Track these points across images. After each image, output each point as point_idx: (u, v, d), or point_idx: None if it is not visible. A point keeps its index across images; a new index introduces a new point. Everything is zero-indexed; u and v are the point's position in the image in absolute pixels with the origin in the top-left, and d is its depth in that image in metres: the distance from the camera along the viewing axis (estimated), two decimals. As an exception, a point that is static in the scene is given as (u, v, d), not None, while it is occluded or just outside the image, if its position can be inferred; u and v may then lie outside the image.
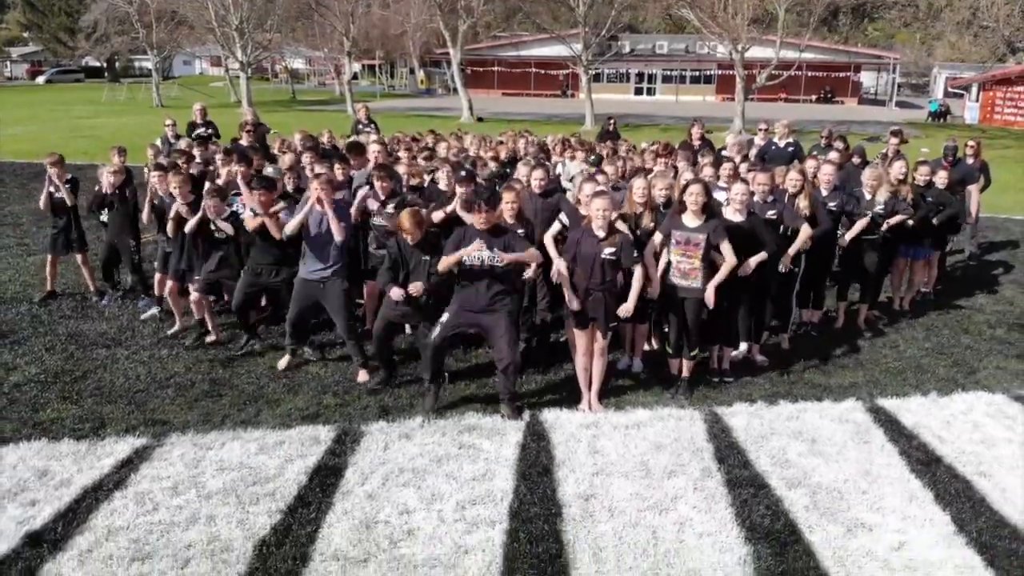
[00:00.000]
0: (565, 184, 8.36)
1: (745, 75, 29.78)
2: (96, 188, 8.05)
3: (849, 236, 7.15)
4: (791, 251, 6.54)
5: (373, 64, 58.69)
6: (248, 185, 6.69)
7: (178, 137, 10.71)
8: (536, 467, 5.05)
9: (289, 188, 7.31)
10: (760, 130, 11.27)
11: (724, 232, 5.89)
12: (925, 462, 5.20)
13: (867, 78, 55.89)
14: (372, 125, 12.31)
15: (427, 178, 7.60)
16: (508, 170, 8.48)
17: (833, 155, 9.04)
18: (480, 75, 52.43)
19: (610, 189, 6.65)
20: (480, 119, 32.23)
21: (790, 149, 10.41)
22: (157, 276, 7.67)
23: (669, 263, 5.95)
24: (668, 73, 52.76)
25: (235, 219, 6.74)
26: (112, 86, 46.07)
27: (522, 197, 6.44)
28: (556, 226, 6.29)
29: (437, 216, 6.41)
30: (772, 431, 5.58)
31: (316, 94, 51.01)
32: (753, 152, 10.40)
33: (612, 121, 13.90)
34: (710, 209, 5.95)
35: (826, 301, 7.75)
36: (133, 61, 66.05)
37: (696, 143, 10.54)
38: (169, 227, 7.03)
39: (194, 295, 6.98)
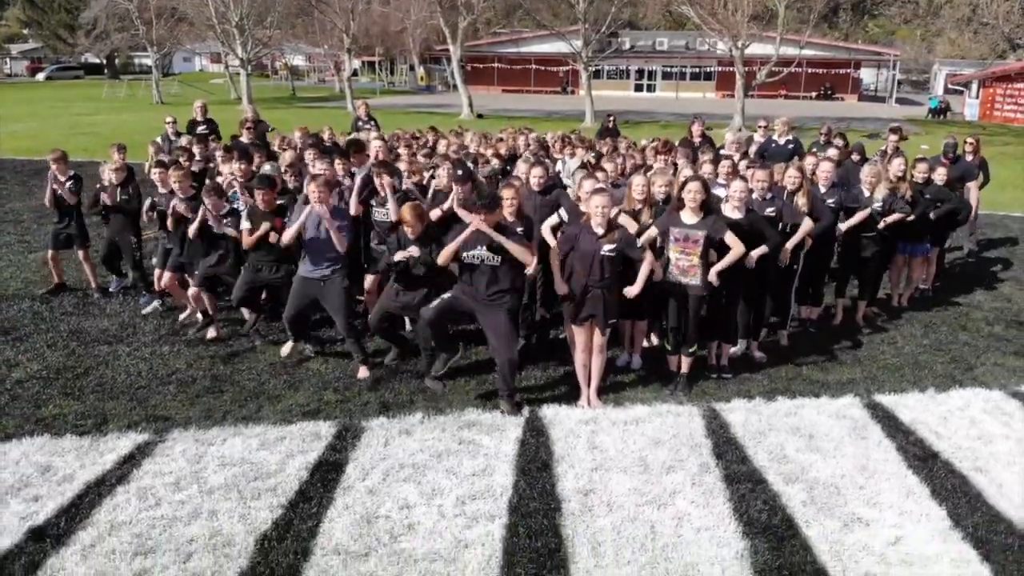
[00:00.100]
0: (566, 181, 8.39)
1: (745, 72, 29.79)
2: (97, 185, 8.08)
3: (846, 225, 7.17)
4: (791, 243, 6.55)
5: (373, 61, 58.69)
6: (248, 185, 6.71)
7: (179, 134, 10.73)
8: (535, 462, 5.08)
9: (290, 185, 7.33)
10: (760, 127, 11.29)
11: (724, 225, 5.92)
12: (922, 458, 5.24)
13: (867, 75, 55.88)
14: (372, 122, 12.33)
15: (427, 175, 7.63)
16: (508, 167, 8.50)
17: (832, 152, 9.07)
18: (480, 72, 52.40)
19: (609, 186, 6.68)
20: (480, 116, 32.23)
21: (790, 146, 10.44)
22: (156, 272, 7.70)
23: (668, 260, 5.97)
24: (668, 70, 52.75)
25: (235, 217, 6.75)
26: (112, 83, 46.08)
27: (521, 194, 6.47)
28: (554, 218, 6.33)
29: (435, 214, 6.44)
30: (770, 427, 5.62)
31: (316, 91, 51.01)
32: (753, 149, 10.43)
33: (612, 118, 13.93)
34: (708, 206, 5.97)
35: (825, 298, 7.78)
36: (133, 58, 66.01)
37: (696, 140, 10.57)
38: (168, 222, 7.06)
39: (193, 289, 7.01)
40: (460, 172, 6.56)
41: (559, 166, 9.23)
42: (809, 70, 46.55)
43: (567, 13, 38.47)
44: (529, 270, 6.15)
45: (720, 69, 48.98)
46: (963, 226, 10.40)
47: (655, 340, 6.98)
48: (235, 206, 6.94)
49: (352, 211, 6.87)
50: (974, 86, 38.27)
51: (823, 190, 7.19)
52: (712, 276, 5.85)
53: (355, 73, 47.84)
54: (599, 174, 7.10)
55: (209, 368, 6.51)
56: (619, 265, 5.74)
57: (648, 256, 5.76)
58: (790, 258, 6.79)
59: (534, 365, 6.61)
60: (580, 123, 28.13)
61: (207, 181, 7.35)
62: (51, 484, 4.73)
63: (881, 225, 7.36)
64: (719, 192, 6.71)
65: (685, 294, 5.98)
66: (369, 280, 7.23)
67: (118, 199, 7.88)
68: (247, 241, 6.48)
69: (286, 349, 6.56)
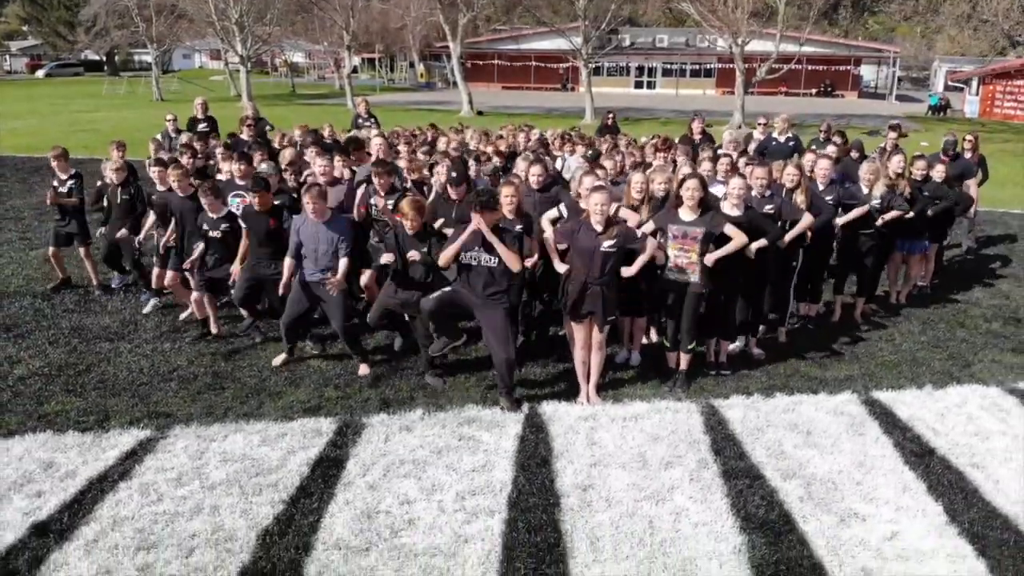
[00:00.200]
0: (566, 177, 8.40)
1: (745, 69, 29.79)
2: (99, 183, 8.10)
3: (844, 219, 7.19)
4: (790, 235, 6.55)
5: (373, 58, 58.67)
6: (246, 185, 6.73)
7: (179, 132, 10.75)
8: (535, 458, 5.12)
9: (289, 184, 7.36)
10: (759, 124, 11.32)
11: (724, 219, 5.95)
12: (919, 454, 5.27)
13: (867, 72, 55.84)
14: (372, 119, 12.35)
15: (427, 172, 7.65)
16: (508, 165, 8.52)
17: (830, 149, 9.09)
18: (480, 69, 52.38)
19: (609, 184, 6.70)
20: (480, 113, 32.24)
21: (790, 144, 10.45)
22: (156, 271, 7.72)
23: (666, 257, 6.00)
24: (668, 67, 52.76)
25: (231, 220, 6.76)
26: (112, 80, 46.12)
27: (521, 192, 6.49)
28: (553, 212, 6.35)
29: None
30: (768, 423, 5.65)
31: (316, 88, 50.99)
32: (753, 147, 10.45)
33: (611, 115, 13.94)
34: (707, 204, 5.99)
35: (823, 295, 7.81)
36: (133, 55, 65.98)
37: (696, 137, 10.60)
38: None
39: (195, 294, 7.02)
40: (455, 174, 6.56)
41: (559, 163, 9.26)
42: (809, 67, 46.54)
43: (567, 10, 38.46)
44: (529, 262, 6.19)
45: (720, 66, 48.99)
46: (961, 221, 10.44)
47: (654, 337, 7.02)
48: (231, 208, 6.95)
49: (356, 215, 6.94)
50: (974, 83, 38.26)
51: (821, 187, 7.22)
52: (709, 259, 5.87)
53: (355, 70, 47.85)
54: (599, 171, 7.12)
55: (210, 365, 6.54)
56: (619, 262, 5.77)
57: (650, 242, 5.78)
58: (789, 255, 6.82)
59: (533, 362, 6.65)
60: (580, 120, 28.14)
61: (205, 179, 7.36)
62: (54, 480, 4.76)
63: (879, 222, 7.39)
64: (718, 190, 6.73)
65: (684, 291, 6.01)
66: (367, 276, 7.25)
67: (119, 199, 7.90)
68: (242, 246, 6.56)
69: (279, 360, 6.55)
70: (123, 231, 7.72)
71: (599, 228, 5.65)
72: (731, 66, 33.25)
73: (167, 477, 4.81)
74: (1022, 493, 4.81)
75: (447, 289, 5.75)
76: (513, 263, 5.55)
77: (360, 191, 7.05)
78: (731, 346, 6.75)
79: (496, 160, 8.58)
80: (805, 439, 5.43)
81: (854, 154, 9.67)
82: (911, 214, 7.57)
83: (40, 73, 60.93)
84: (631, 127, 22.49)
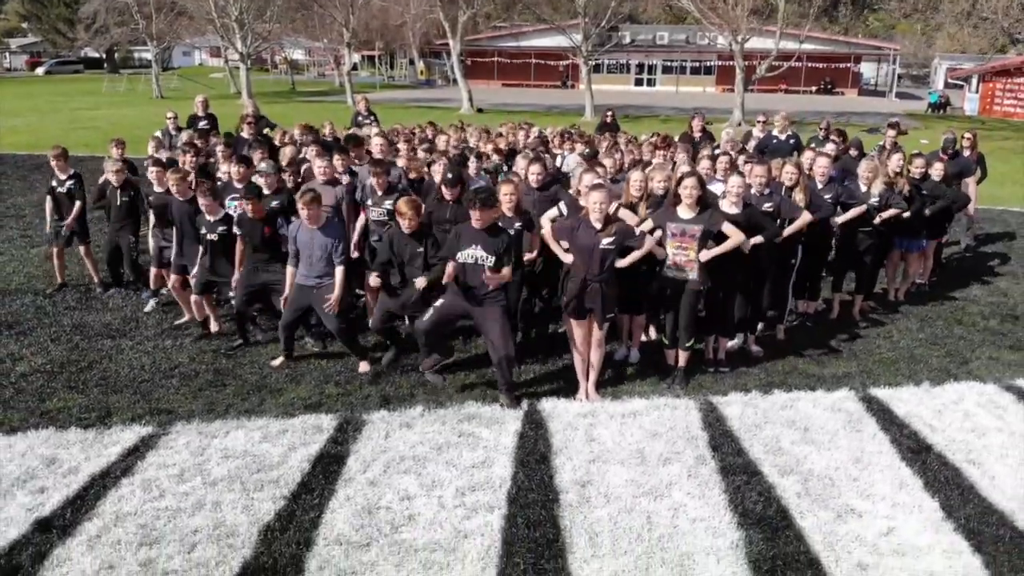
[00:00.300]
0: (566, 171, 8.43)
1: (745, 66, 29.79)
2: (100, 181, 8.12)
3: (843, 219, 7.22)
4: (788, 231, 6.57)
5: (373, 55, 58.61)
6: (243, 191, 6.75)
7: (179, 129, 10.76)
8: (534, 454, 5.15)
9: (288, 184, 7.36)
10: (758, 122, 11.33)
11: (722, 217, 5.98)
12: (915, 450, 5.31)
13: (867, 69, 55.86)
14: (372, 117, 12.35)
15: (426, 171, 7.67)
16: (509, 162, 8.55)
17: (829, 147, 9.12)
18: (480, 66, 52.37)
19: (608, 181, 6.73)
20: (480, 110, 32.25)
21: (791, 141, 10.46)
22: (153, 271, 7.75)
23: (665, 255, 6.03)
24: (668, 64, 52.76)
25: (228, 222, 6.78)
26: (112, 77, 46.10)
27: (520, 190, 6.52)
28: (553, 211, 6.38)
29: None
30: (766, 420, 5.69)
31: (316, 85, 50.97)
32: (752, 145, 10.47)
33: (611, 113, 13.94)
34: (705, 202, 6.02)
35: (821, 292, 7.84)
36: (132, 52, 65.92)
37: (697, 135, 10.62)
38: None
39: (195, 297, 7.03)
40: (451, 176, 6.59)
41: (559, 161, 9.28)
42: (809, 64, 46.52)
43: (567, 7, 38.41)
44: (528, 257, 6.25)
45: (720, 63, 48.98)
46: (960, 218, 10.46)
47: (653, 334, 7.05)
48: (229, 211, 6.97)
49: (353, 253, 6.99)
50: (974, 80, 38.28)
51: (820, 185, 7.24)
52: (703, 256, 5.90)
53: (355, 67, 47.86)
54: (598, 169, 7.14)
55: (211, 362, 6.57)
56: (618, 259, 5.80)
57: (648, 240, 5.82)
58: (788, 253, 6.85)
59: (533, 359, 6.68)
60: (580, 117, 28.15)
61: (205, 177, 7.39)
62: (56, 476, 4.80)
63: (877, 220, 7.41)
64: (717, 188, 6.76)
65: (682, 289, 6.04)
66: (374, 279, 7.28)
67: (118, 201, 7.92)
68: (238, 252, 6.60)
69: (277, 362, 6.56)
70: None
71: (598, 226, 5.68)
72: (731, 63, 33.22)
73: (169, 473, 4.85)
74: (1018, 489, 4.84)
75: (438, 304, 5.74)
76: (504, 278, 5.64)
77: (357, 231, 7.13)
78: (729, 343, 6.79)
79: (495, 158, 8.60)
80: (803, 435, 5.47)
81: (853, 152, 9.69)
82: (908, 213, 7.60)
83: (40, 70, 60.85)
84: (631, 125, 22.49)
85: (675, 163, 8.05)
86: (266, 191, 6.98)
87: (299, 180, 7.63)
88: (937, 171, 8.40)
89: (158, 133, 10.57)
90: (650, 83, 53.27)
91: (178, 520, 4.37)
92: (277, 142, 9.75)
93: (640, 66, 53.33)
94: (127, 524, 4.32)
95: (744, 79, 29.69)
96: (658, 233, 6.01)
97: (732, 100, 30.60)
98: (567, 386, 6.13)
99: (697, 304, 6.16)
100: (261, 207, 6.53)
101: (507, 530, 4.33)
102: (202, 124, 11.29)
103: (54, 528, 4.28)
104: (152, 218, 7.69)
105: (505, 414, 5.71)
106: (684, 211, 5.96)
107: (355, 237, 7.12)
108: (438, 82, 55.25)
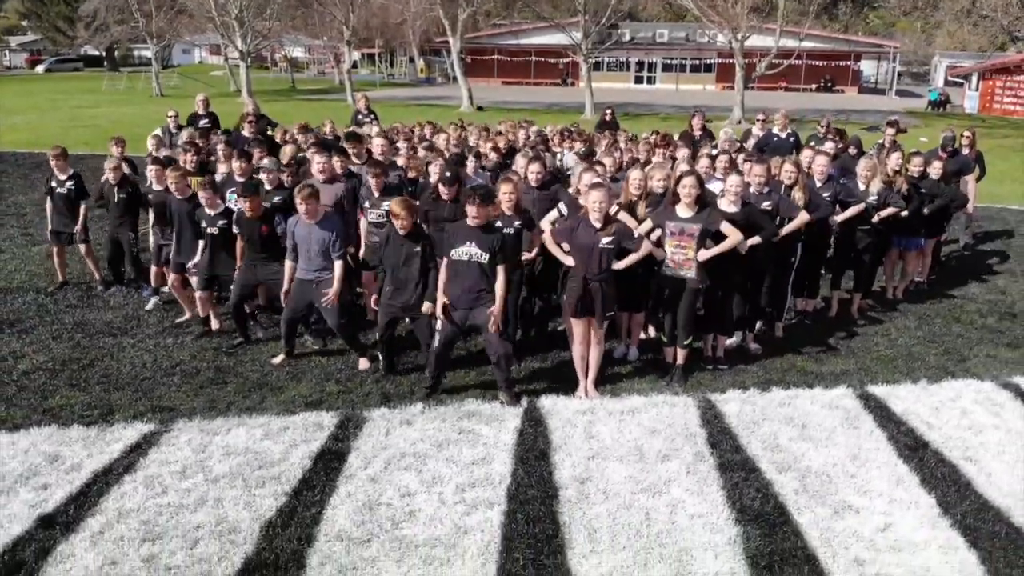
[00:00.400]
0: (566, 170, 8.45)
1: (745, 64, 29.79)
2: (102, 179, 8.15)
3: (841, 218, 7.25)
4: (786, 229, 6.60)
5: (373, 53, 58.54)
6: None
7: (180, 128, 10.78)
8: (533, 451, 5.19)
9: (286, 183, 7.39)
10: (758, 120, 11.35)
11: (720, 216, 6.01)
12: (912, 447, 5.34)
13: (867, 67, 55.82)
14: (372, 115, 12.38)
15: (426, 170, 7.69)
16: (508, 161, 8.57)
17: (828, 145, 9.14)
18: (480, 64, 52.34)
19: (607, 180, 6.75)
20: (480, 108, 32.24)
21: (791, 140, 10.49)
22: (153, 269, 7.78)
23: (664, 254, 6.05)
24: (668, 62, 52.70)
25: (229, 216, 6.81)
26: (111, 75, 46.07)
27: (519, 189, 6.54)
28: (554, 213, 6.41)
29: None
30: (764, 417, 5.72)
31: (316, 83, 50.95)
32: (751, 143, 10.49)
33: (610, 111, 13.94)
34: (704, 200, 6.05)
35: (820, 290, 7.87)
36: (132, 50, 65.83)
37: (697, 133, 10.64)
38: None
39: (199, 293, 7.06)
40: (448, 174, 6.61)
41: (559, 159, 9.30)
42: (809, 62, 46.47)
43: (567, 4, 38.42)
44: (527, 256, 6.27)
45: (720, 61, 48.95)
46: (959, 216, 10.49)
47: (652, 332, 7.07)
48: (229, 204, 7.00)
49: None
50: (974, 78, 38.28)
51: (819, 184, 7.27)
52: (701, 256, 5.93)
53: (355, 65, 47.82)
54: (598, 167, 7.17)
55: (213, 360, 6.61)
56: (617, 258, 5.83)
57: (645, 244, 5.85)
58: (788, 251, 6.88)
59: (532, 356, 6.71)
60: (580, 115, 28.14)
61: (206, 175, 7.41)
62: (59, 473, 4.83)
63: (875, 219, 7.44)
64: (716, 186, 6.78)
65: (681, 287, 6.07)
66: (367, 274, 7.32)
67: (116, 198, 7.95)
68: (238, 247, 6.63)
69: (277, 360, 6.58)
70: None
71: (598, 225, 5.71)
72: (731, 61, 33.23)
73: (171, 470, 4.88)
74: (1014, 486, 4.88)
75: (443, 324, 5.74)
76: (500, 293, 5.69)
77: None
78: (728, 341, 6.82)
79: (493, 156, 8.61)
80: (800, 433, 5.50)
81: (852, 150, 9.72)
82: (907, 212, 7.62)
83: (40, 68, 60.77)
84: (631, 123, 22.51)
85: (674, 161, 8.07)
86: (268, 186, 7.01)
87: (298, 179, 7.65)
88: (936, 169, 8.42)
89: (158, 131, 10.58)
90: (650, 81, 53.23)
91: (180, 516, 4.40)
92: (279, 139, 9.78)
93: (640, 64, 53.28)
94: (130, 520, 4.36)
95: (744, 77, 29.69)
96: (656, 235, 6.04)
97: (732, 98, 30.61)
98: (566, 383, 6.16)
99: (696, 302, 6.19)
100: (259, 205, 6.56)
101: (507, 526, 4.37)
102: (203, 123, 11.30)
103: (57, 524, 4.32)
104: (151, 216, 7.71)
105: (505, 411, 5.74)
106: (683, 210, 5.98)
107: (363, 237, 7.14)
108: (438, 80, 55.23)
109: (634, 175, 6.53)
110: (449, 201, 6.52)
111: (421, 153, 8.26)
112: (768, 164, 6.98)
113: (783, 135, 10.55)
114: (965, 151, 10.35)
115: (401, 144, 9.05)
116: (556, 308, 6.90)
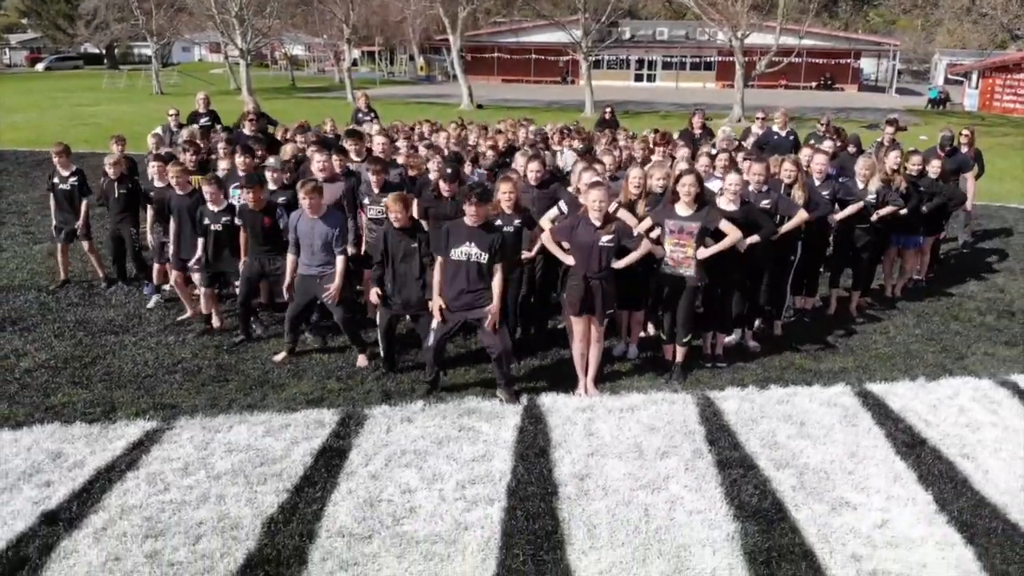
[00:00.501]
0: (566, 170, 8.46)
1: (745, 62, 29.79)
2: (102, 179, 8.17)
3: (840, 216, 7.27)
4: (783, 229, 6.61)
5: (373, 51, 58.49)
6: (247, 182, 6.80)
7: (181, 126, 10.79)
8: (533, 448, 5.22)
9: (285, 181, 7.41)
10: (757, 118, 11.37)
11: (719, 214, 6.04)
12: (910, 444, 5.37)
13: (867, 65, 55.79)
14: (372, 114, 12.39)
15: (426, 168, 7.71)
16: (508, 160, 8.58)
17: (827, 144, 9.16)
18: (480, 62, 52.31)
19: (607, 179, 6.78)
20: (480, 106, 32.25)
21: (791, 138, 10.50)
22: (156, 267, 7.80)
23: (663, 252, 6.08)
24: (668, 60, 52.67)
25: (232, 212, 6.84)
26: (111, 73, 46.02)
27: (519, 187, 6.56)
28: (554, 211, 6.43)
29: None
30: (762, 414, 5.75)
31: (315, 81, 50.94)
32: (750, 141, 10.51)
33: (610, 109, 13.94)
34: (703, 199, 6.07)
35: (819, 288, 7.89)
36: (132, 48, 65.82)
37: (697, 131, 10.66)
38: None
39: (204, 290, 7.09)
40: (449, 171, 6.64)
41: (558, 157, 9.32)
42: (809, 60, 46.48)
43: (567, 2, 38.46)
44: (527, 254, 6.28)
45: (720, 59, 48.91)
46: (958, 215, 10.52)
47: (651, 330, 7.10)
48: (232, 200, 7.03)
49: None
50: (974, 76, 38.27)
51: (817, 182, 7.29)
52: (700, 255, 5.96)
53: (355, 63, 47.81)
54: (597, 166, 7.19)
55: (214, 357, 6.64)
56: (617, 256, 5.86)
57: (644, 243, 5.88)
58: (788, 250, 6.90)
59: (532, 354, 6.74)
60: (580, 113, 28.16)
61: (208, 172, 7.44)
62: (62, 470, 4.86)
63: (874, 218, 7.46)
64: (715, 185, 6.80)
65: (680, 285, 6.10)
66: (367, 272, 7.34)
67: (117, 194, 7.98)
68: (242, 241, 6.65)
69: (279, 357, 6.61)
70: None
71: (597, 223, 5.74)
72: (731, 59, 33.22)
73: (173, 467, 4.91)
74: (1011, 483, 4.91)
75: (439, 324, 5.77)
76: (496, 295, 5.73)
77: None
78: (727, 339, 6.85)
79: (490, 154, 8.62)
80: (799, 430, 5.53)
81: (851, 149, 9.74)
82: (905, 210, 7.65)
83: (40, 66, 60.71)
84: (631, 121, 22.54)
85: (674, 160, 8.10)
86: (273, 186, 7.03)
87: (298, 177, 7.67)
88: (934, 168, 8.44)
89: (158, 130, 10.59)
90: (650, 79, 53.20)
91: (183, 513, 4.44)
92: (279, 137, 9.80)
93: (640, 62, 53.25)
94: (133, 517, 4.39)
95: (744, 75, 29.70)
96: (655, 234, 6.06)
97: (732, 96, 30.61)
98: (566, 381, 6.19)
99: (695, 300, 6.22)
100: (262, 196, 6.59)
101: (507, 522, 4.40)
102: (203, 121, 11.31)
103: (60, 521, 4.35)
104: (150, 213, 7.74)
105: (505, 409, 5.77)
106: (682, 208, 6.01)
107: (364, 234, 7.17)
108: (438, 78, 55.20)
109: (633, 174, 6.55)
110: (450, 198, 6.55)
111: (422, 151, 8.28)
112: (767, 163, 7.00)
113: (783, 133, 10.56)
114: (964, 149, 10.37)
115: (401, 143, 9.07)
116: (556, 306, 6.93)
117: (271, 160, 7.34)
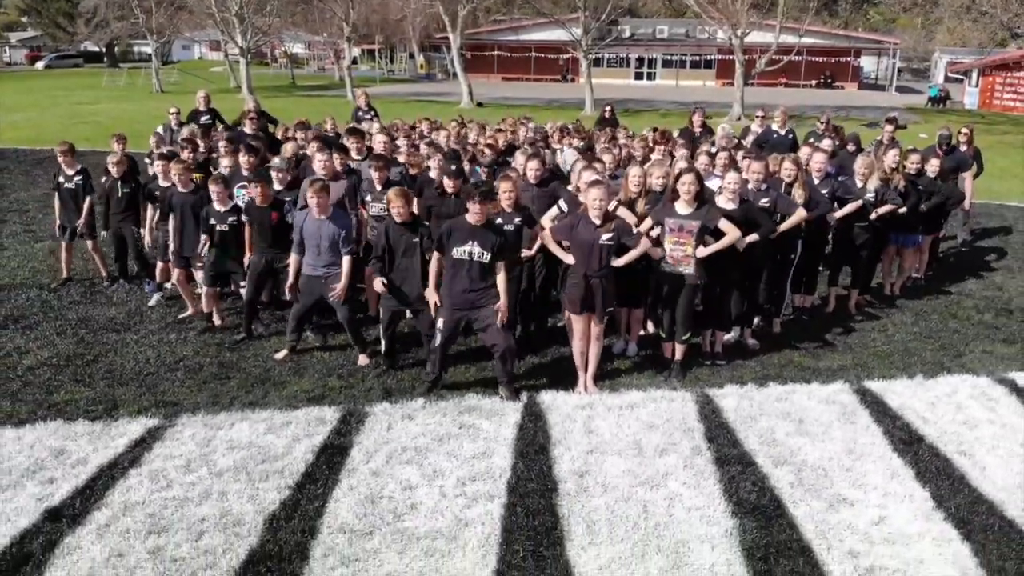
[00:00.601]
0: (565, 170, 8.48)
1: (745, 60, 29.80)
2: (103, 178, 8.19)
3: (839, 214, 7.30)
4: (782, 227, 6.63)
5: (373, 49, 58.51)
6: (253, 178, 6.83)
7: (182, 124, 10.81)
8: (533, 445, 5.25)
9: (287, 179, 7.43)
10: (757, 117, 11.39)
11: (719, 213, 6.07)
12: (908, 441, 5.40)
13: (867, 63, 55.80)
14: (372, 112, 12.40)
15: (427, 166, 7.73)
16: (507, 158, 8.61)
17: (826, 143, 9.18)
18: (480, 60, 52.30)
19: (607, 177, 6.80)
20: (480, 104, 32.26)
21: (790, 137, 10.52)
22: (159, 265, 7.83)
23: (663, 251, 6.11)
24: (668, 58, 52.66)
25: (238, 213, 6.87)
26: (111, 71, 45.97)
27: (518, 185, 6.58)
28: (554, 210, 6.46)
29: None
30: (761, 412, 5.78)
31: (316, 79, 50.92)
32: (750, 140, 10.53)
33: (610, 108, 13.93)
34: (703, 197, 6.10)
35: (818, 286, 7.92)
36: (132, 46, 65.75)
37: (697, 130, 10.67)
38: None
39: (205, 289, 7.12)
40: (453, 168, 6.67)
41: (558, 156, 9.34)
42: (809, 58, 46.48)
43: (567, 1, 38.39)
44: (527, 253, 6.31)
45: (720, 57, 48.90)
46: (957, 213, 10.54)
47: (651, 328, 7.13)
48: (236, 200, 7.05)
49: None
50: (974, 74, 38.26)
51: (817, 181, 7.31)
52: (699, 253, 5.99)
53: (355, 61, 47.77)
54: (597, 164, 7.21)
55: (216, 355, 6.67)
56: (617, 254, 5.89)
57: (644, 241, 5.91)
58: (788, 248, 6.93)
59: (532, 352, 6.77)
60: (580, 111, 28.16)
61: (211, 171, 7.46)
62: (65, 467, 4.89)
63: (873, 216, 7.49)
64: (714, 184, 6.83)
65: (680, 283, 6.12)
66: (368, 269, 7.37)
67: (120, 192, 8.00)
68: (247, 239, 6.67)
69: (280, 355, 6.64)
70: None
71: (597, 222, 5.76)
72: (731, 58, 33.23)
73: (176, 464, 4.95)
74: (1008, 480, 4.94)
75: (443, 322, 5.79)
76: (505, 299, 5.77)
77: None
78: (726, 336, 6.88)
79: (488, 152, 8.64)
80: (797, 427, 5.56)
81: (851, 147, 9.76)
82: (904, 209, 7.67)
83: (40, 65, 60.69)
84: (631, 119, 22.55)
85: (674, 158, 8.12)
86: (278, 186, 7.05)
87: (299, 175, 7.70)
88: (933, 167, 8.46)
89: (159, 129, 10.62)
90: (650, 77, 53.20)
91: (185, 509, 4.47)
92: (280, 136, 9.82)
93: (640, 60, 53.24)
94: (135, 513, 4.42)
95: (744, 73, 29.71)
96: (655, 232, 6.09)
97: (732, 94, 30.62)
98: (566, 379, 6.22)
99: (694, 298, 6.25)
100: (269, 192, 6.62)
101: (507, 518, 4.43)
102: (204, 119, 11.33)
103: (64, 517, 4.38)
104: (150, 211, 7.76)
105: (505, 406, 5.80)
106: (682, 207, 6.04)
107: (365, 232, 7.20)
108: (438, 76, 55.20)
109: (633, 172, 6.58)
110: (453, 195, 6.58)
111: (423, 150, 8.30)
112: (766, 161, 7.02)
113: (782, 132, 10.57)
114: (963, 148, 10.38)
115: (401, 141, 9.09)
116: (556, 304, 6.96)
117: (275, 160, 7.37)
